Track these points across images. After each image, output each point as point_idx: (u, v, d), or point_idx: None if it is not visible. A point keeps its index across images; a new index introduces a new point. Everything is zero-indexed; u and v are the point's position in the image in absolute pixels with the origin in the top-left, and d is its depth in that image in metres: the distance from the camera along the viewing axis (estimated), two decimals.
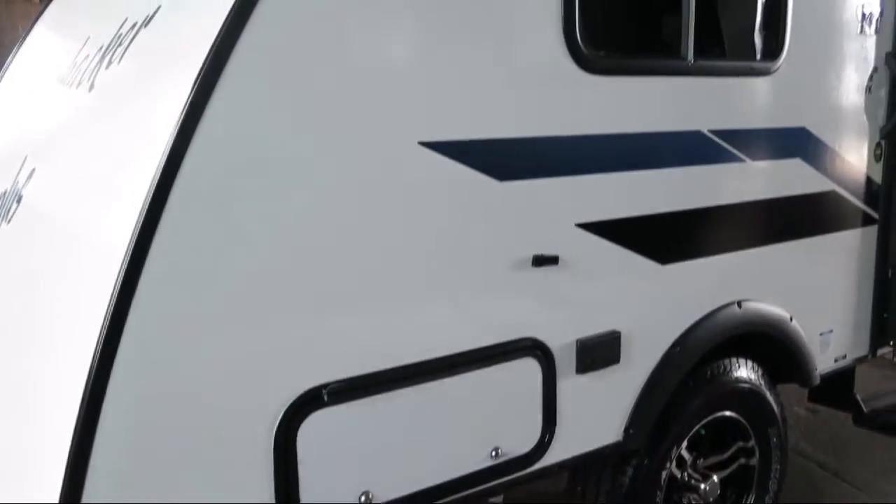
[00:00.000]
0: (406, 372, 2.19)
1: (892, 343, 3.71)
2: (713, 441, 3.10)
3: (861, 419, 3.76)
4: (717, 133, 2.81)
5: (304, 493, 2.05)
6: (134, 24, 2.35)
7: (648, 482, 2.88)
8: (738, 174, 2.92)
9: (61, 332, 2.00)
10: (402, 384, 2.19)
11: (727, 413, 3.08)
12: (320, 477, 2.07)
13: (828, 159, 3.24)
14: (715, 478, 3.09)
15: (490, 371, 2.35)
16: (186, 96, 1.82)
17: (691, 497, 3.05)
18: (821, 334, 3.37)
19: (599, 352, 2.58)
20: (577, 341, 2.53)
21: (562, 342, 2.50)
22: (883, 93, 3.45)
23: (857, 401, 3.72)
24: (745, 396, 3.11)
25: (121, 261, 1.76)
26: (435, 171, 2.18)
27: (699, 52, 2.70)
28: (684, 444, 2.97)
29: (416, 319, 2.22)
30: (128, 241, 1.76)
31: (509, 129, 2.31)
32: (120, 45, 2.37)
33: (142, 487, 1.83)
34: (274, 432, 1.99)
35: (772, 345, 3.16)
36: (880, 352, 3.72)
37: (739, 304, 2.97)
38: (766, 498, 3.28)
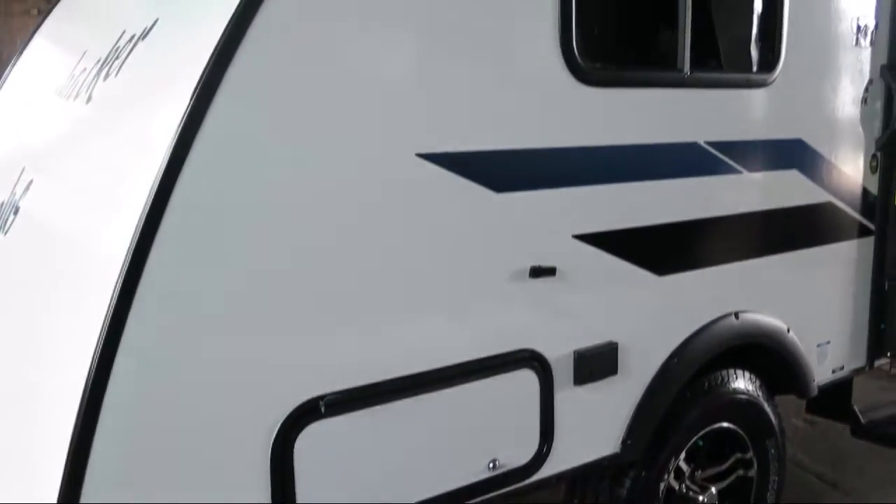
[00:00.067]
0: (403, 383, 2.19)
1: (889, 354, 3.70)
2: (711, 452, 3.10)
3: (859, 430, 3.76)
4: (714, 145, 2.82)
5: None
6: (132, 37, 2.36)
7: (646, 494, 2.87)
8: (735, 186, 2.93)
9: (59, 342, 2.00)
10: (400, 396, 2.19)
11: (725, 424, 3.08)
12: (317, 488, 2.06)
13: (824, 171, 3.25)
14: (713, 489, 3.08)
15: (487, 382, 2.35)
16: (184, 108, 1.82)
17: None
18: (818, 345, 3.37)
19: (597, 363, 2.58)
20: (574, 352, 2.53)
21: (559, 353, 2.50)
22: (878, 105, 3.46)
23: (854, 412, 3.72)
24: (742, 408, 3.10)
25: (118, 271, 1.75)
26: (433, 182, 2.18)
27: (696, 64, 2.72)
28: (682, 455, 2.97)
29: (414, 330, 2.21)
30: (125, 251, 1.76)
31: (506, 140, 2.31)
32: (118, 57, 2.37)
33: (139, 492, 1.83)
34: (271, 443, 1.99)
35: (769, 356, 3.16)
36: (878, 363, 3.72)
37: (737, 315, 2.97)
38: None
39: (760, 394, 3.17)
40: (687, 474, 3.01)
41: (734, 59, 3.09)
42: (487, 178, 2.27)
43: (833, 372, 3.50)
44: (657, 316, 2.75)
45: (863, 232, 3.49)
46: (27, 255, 2.38)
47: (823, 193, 3.26)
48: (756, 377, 3.16)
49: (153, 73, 2.22)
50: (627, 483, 2.85)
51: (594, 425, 2.65)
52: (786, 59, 3.00)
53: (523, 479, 2.47)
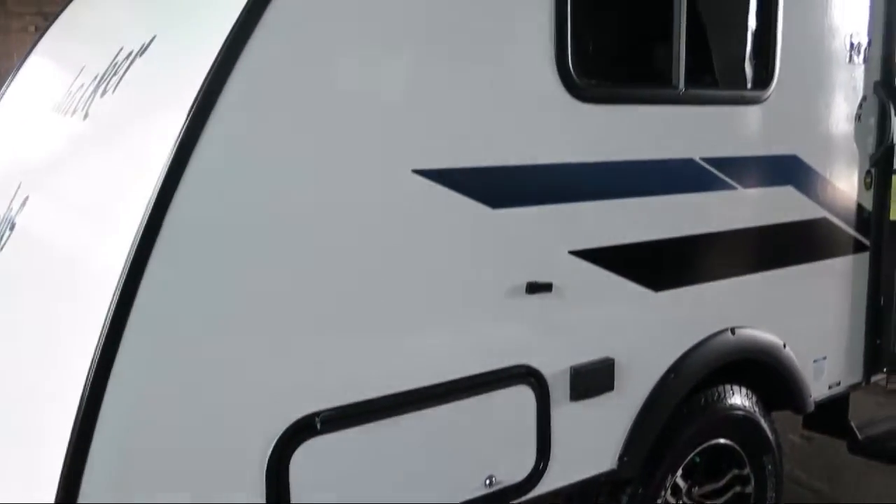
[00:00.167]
0: (399, 399, 2.18)
1: (885, 370, 3.71)
2: (708, 469, 3.09)
3: (856, 446, 3.75)
4: (709, 161, 2.83)
5: None
6: (129, 53, 2.37)
7: None
8: (730, 202, 2.94)
9: (55, 360, 1.99)
10: (396, 412, 2.18)
11: (722, 440, 3.07)
12: None
13: (819, 187, 3.26)
14: None
15: (484, 398, 2.34)
16: (181, 125, 1.82)
17: None
18: (814, 361, 3.37)
19: (593, 379, 2.58)
20: (570, 368, 2.53)
21: (556, 369, 2.49)
22: (872, 121, 3.48)
23: (851, 428, 3.72)
24: (739, 424, 3.10)
25: (115, 287, 1.75)
26: (429, 198, 2.19)
27: (690, 80, 2.73)
28: (679, 472, 2.96)
29: (410, 347, 2.21)
30: (121, 269, 1.76)
31: (502, 157, 2.32)
32: (115, 74, 2.38)
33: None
34: (267, 459, 1.98)
35: (766, 372, 3.16)
36: (874, 379, 3.71)
37: (733, 330, 2.97)
38: None
39: (757, 410, 3.16)
40: (684, 491, 3.00)
41: (729, 75, 3.10)
42: (483, 194, 2.28)
43: (829, 387, 3.49)
44: (653, 332, 2.75)
45: (858, 248, 3.50)
46: (22, 272, 2.38)
47: (818, 209, 3.27)
48: (752, 393, 3.16)
49: (150, 89, 2.23)
50: (624, 500, 2.84)
51: (591, 441, 2.65)
52: (780, 75, 3.02)
53: (520, 495, 2.46)
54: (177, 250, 1.82)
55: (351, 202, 2.08)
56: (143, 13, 2.68)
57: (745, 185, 2.97)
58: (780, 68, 3.02)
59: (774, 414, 3.30)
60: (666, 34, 2.71)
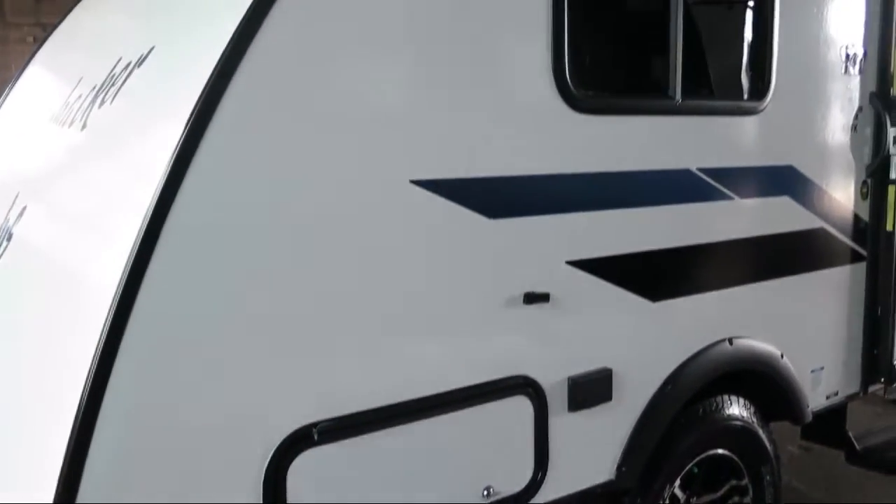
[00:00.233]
0: (397, 410, 2.18)
1: (883, 380, 3.71)
2: (706, 479, 3.08)
3: (854, 457, 3.74)
4: (706, 171, 2.83)
5: None
6: (128, 64, 2.37)
7: None
8: (727, 212, 2.95)
9: (50, 374, 1.99)
10: (393, 423, 2.18)
11: (720, 451, 3.07)
12: None
13: (816, 197, 3.27)
14: None
15: (481, 409, 2.34)
16: (179, 136, 1.83)
17: None
18: (812, 371, 3.37)
19: (591, 389, 2.58)
20: (568, 379, 2.53)
21: (553, 380, 2.49)
22: (868, 132, 3.49)
23: (849, 438, 3.72)
24: (737, 434, 3.10)
25: (112, 297, 1.75)
26: (426, 209, 2.19)
27: (687, 91, 2.74)
28: (677, 482, 2.95)
29: (408, 357, 2.21)
30: (120, 275, 1.76)
31: (500, 167, 2.32)
32: (113, 84, 2.38)
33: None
34: (264, 471, 1.97)
35: (763, 382, 3.16)
36: (872, 389, 3.72)
37: (730, 341, 2.97)
38: None
39: (755, 420, 3.16)
40: (682, 501, 2.99)
41: (725, 86, 3.12)
42: (481, 204, 2.28)
43: (827, 398, 3.49)
44: (651, 342, 2.75)
45: (855, 258, 3.51)
46: (21, 281, 2.38)
47: (815, 220, 3.28)
48: (750, 403, 3.16)
49: (148, 100, 2.23)
50: None
51: (589, 452, 2.64)
52: (776, 86, 3.03)
53: None
54: (175, 258, 1.82)
55: (349, 214, 2.08)
56: (141, 24, 2.70)
57: (742, 196, 2.98)
58: (777, 79, 3.03)
59: (772, 424, 3.30)
60: (663, 45, 2.72)
